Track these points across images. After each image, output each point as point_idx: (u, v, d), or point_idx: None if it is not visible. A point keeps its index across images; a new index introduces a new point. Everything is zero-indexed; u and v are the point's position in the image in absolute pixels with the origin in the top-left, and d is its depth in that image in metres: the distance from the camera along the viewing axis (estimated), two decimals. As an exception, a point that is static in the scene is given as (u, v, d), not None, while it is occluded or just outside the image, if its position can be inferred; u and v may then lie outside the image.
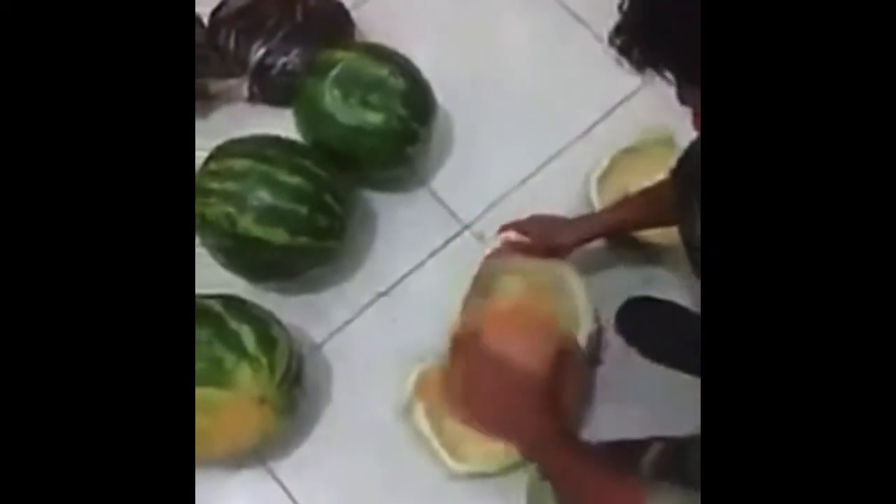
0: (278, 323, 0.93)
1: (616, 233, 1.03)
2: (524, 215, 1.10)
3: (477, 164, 1.17)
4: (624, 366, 1.04)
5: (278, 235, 0.92)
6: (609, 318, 1.06)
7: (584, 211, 1.10)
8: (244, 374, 0.85)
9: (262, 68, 1.10)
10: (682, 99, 0.63)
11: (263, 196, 0.90)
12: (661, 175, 0.94)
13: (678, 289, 1.07)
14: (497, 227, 1.05)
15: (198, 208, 0.92)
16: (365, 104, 0.99)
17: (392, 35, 1.18)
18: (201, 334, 0.84)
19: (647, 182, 0.97)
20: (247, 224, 0.90)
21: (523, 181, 1.15)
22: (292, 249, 0.94)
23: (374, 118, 1.00)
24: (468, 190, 1.15)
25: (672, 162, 0.85)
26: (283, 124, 1.04)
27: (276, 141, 0.97)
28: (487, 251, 1.04)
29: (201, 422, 0.82)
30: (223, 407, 0.85)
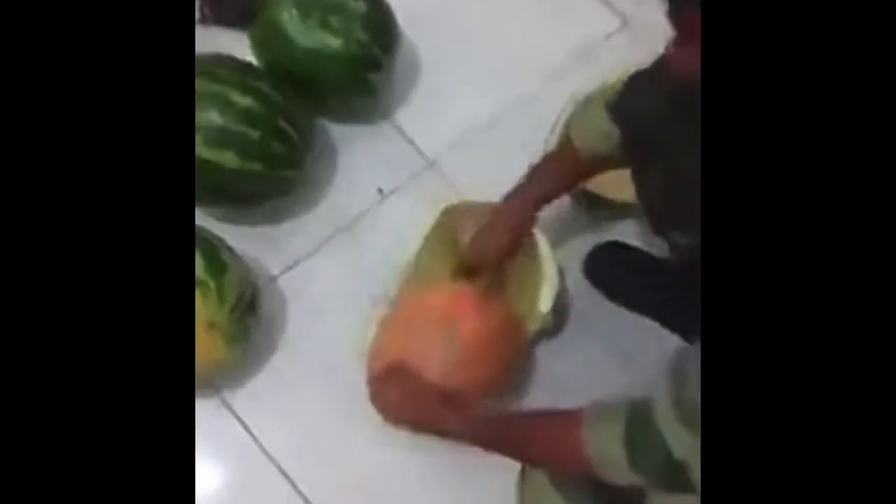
0: (230, 249, 0.91)
1: (554, 198, 0.93)
2: (489, 155, 1.09)
3: (443, 100, 1.14)
4: (590, 311, 1.03)
5: (229, 159, 0.89)
6: (576, 276, 1.04)
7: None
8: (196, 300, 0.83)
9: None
10: (672, 15, 0.60)
11: (213, 117, 0.87)
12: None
13: (641, 240, 1.05)
14: (463, 166, 1.03)
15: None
16: (324, 26, 0.96)
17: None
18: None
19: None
20: (196, 145, 0.87)
21: (491, 120, 1.13)
22: (244, 175, 0.91)
23: (334, 41, 0.96)
24: (433, 126, 1.12)
25: None
26: (237, 47, 1.00)
27: (229, 61, 0.93)
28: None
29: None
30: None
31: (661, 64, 0.72)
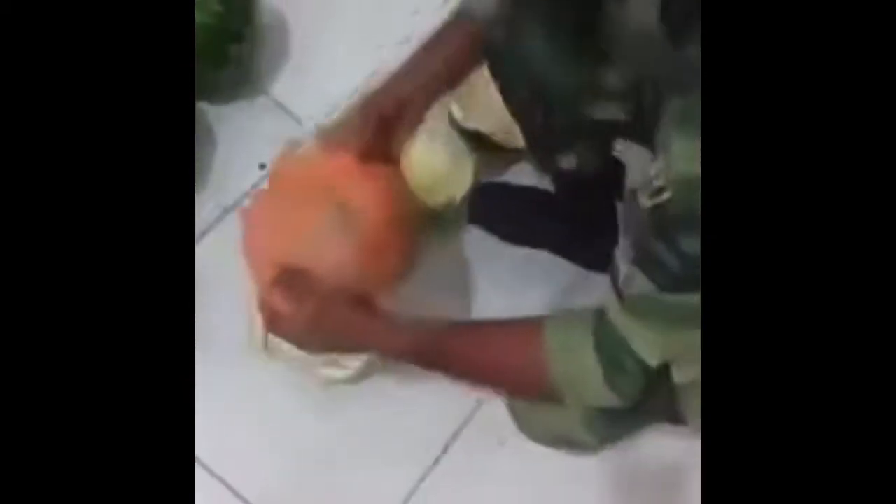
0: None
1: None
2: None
3: (317, 67, 1.12)
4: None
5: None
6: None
7: (439, 115, 1.02)
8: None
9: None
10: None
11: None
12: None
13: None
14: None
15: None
16: None
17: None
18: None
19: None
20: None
21: (368, 76, 1.11)
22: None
23: (187, 16, 0.94)
24: (310, 94, 1.10)
25: None
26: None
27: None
28: None
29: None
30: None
31: None
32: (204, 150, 1.06)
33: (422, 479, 0.93)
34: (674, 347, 0.58)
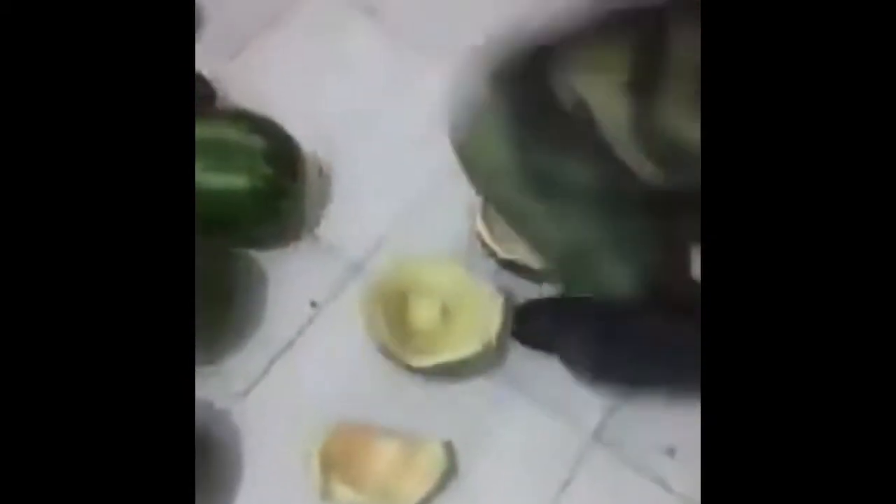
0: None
1: None
2: (410, 249, 1.13)
3: (358, 206, 1.19)
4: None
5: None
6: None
7: (474, 242, 1.11)
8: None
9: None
10: None
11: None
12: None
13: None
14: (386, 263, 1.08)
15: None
16: (229, 169, 1.01)
17: (257, 95, 1.20)
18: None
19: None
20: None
21: (409, 213, 1.18)
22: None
23: (240, 181, 1.02)
24: (354, 231, 1.16)
25: None
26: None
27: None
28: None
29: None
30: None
31: None
32: (258, 295, 1.12)
33: None
34: None
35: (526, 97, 0.72)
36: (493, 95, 0.73)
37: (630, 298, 0.78)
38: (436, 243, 1.14)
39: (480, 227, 1.11)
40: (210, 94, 1.20)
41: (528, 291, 1.10)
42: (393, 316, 1.05)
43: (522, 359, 1.06)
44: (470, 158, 0.79)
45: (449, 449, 1.00)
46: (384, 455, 0.99)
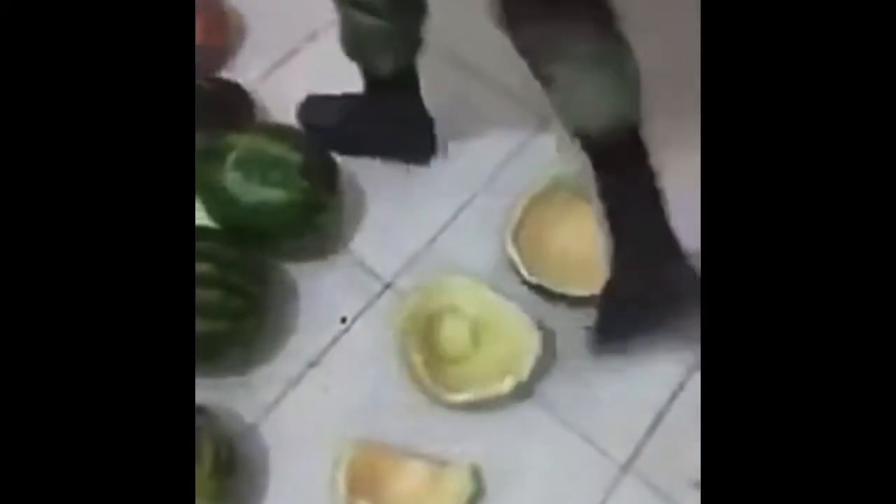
0: (201, 412, 0.93)
1: None
2: (441, 268, 1.13)
3: (391, 222, 1.19)
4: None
5: (197, 326, 0.92)
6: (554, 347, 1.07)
7: (503, 267, 1.11)
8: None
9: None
10: None
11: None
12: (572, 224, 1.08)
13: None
14: (416, 282, 1.07)
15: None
16: (265, 182, 1.02)
17: (295, 110, 1.22)
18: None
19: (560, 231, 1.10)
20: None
21: (441, 231, 1.18)
22: (212, 336, 0.95)
23: (277, 194, 1.02)
24: (386, 249, 1.16)
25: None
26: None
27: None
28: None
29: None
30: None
31: None
32: (289, 306, 1.12)
33: None
34: None
35: None
36: None
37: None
38: (467, 265, 1.13)
39: (511, 250, 1.11)
40: (248, 106, 1.21)
41: (557, 318, 1.09)
42: (423, 339, 1.05)
43: (555, 384, 1.05)
44: None
45: (476, 472, 0.98)
46: (411, 476, 0.98)
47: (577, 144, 0.89)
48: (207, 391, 0.98)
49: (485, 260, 1.14)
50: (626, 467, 1.00)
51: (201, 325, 0.92)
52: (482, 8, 0.82)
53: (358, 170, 1.21)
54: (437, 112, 1.20)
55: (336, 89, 1.21)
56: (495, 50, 0.87)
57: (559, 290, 1.09)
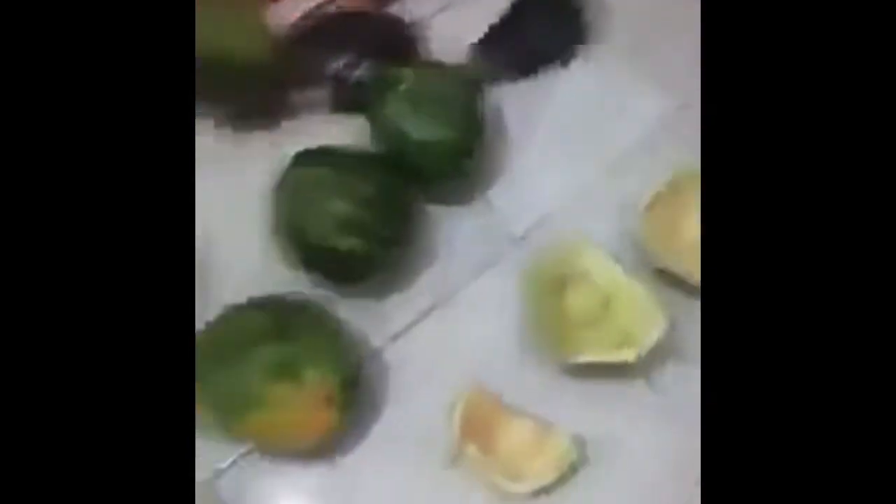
0: (342, 324, 0.98)
1: None
2: (577, 227, 1.14)
3: (529, 177, 1.21)
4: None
5: (355, 245, 0.96)
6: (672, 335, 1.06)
7: (626, 243, 1.11)
8: (314, 375, 0.89)
9: (338, 80, 1.15)
10: None
11: (341, 206, 0.94)
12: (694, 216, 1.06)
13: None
14: (551, 239, 1.09)
15: (273, 217, 0.97)
16: (432, 117, 1.04)
17: (457, 51, 1.24)
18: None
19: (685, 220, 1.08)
20: (327, 235, 0.95)
21: (575, 196, 1.19)
22: (366, 258, 0.98)
23: (439, 132, 1.04)
24: (520, 203, 1.18)
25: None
26: (355, 133, 1.10)
27: (352, 150, 1.02)
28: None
29: (273, 416, 0.88)
30: (293, 403, 0.89)
31: None
32: (426, 245, 1.15)
33: None
34: None
35: None
36: None
37: None
38: (598, 231, 1.14)
39: (639, 229, 1.11)
40: (412, 40, 1.23)
41: (676, 305, 1.07)
42: (550, 299, 1.07)
43: (668, 371, 1.06)
44: None
45: (580, 442, 1.00)
46: (517, 432, 0.99)
47: None
48: (347, 311, 1.02)
49: (609, 235, 1.14)
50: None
51: (360, 247, 0.96)
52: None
53: (505, 119, 1.23)
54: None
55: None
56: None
57: (685, 276, 1.08)
